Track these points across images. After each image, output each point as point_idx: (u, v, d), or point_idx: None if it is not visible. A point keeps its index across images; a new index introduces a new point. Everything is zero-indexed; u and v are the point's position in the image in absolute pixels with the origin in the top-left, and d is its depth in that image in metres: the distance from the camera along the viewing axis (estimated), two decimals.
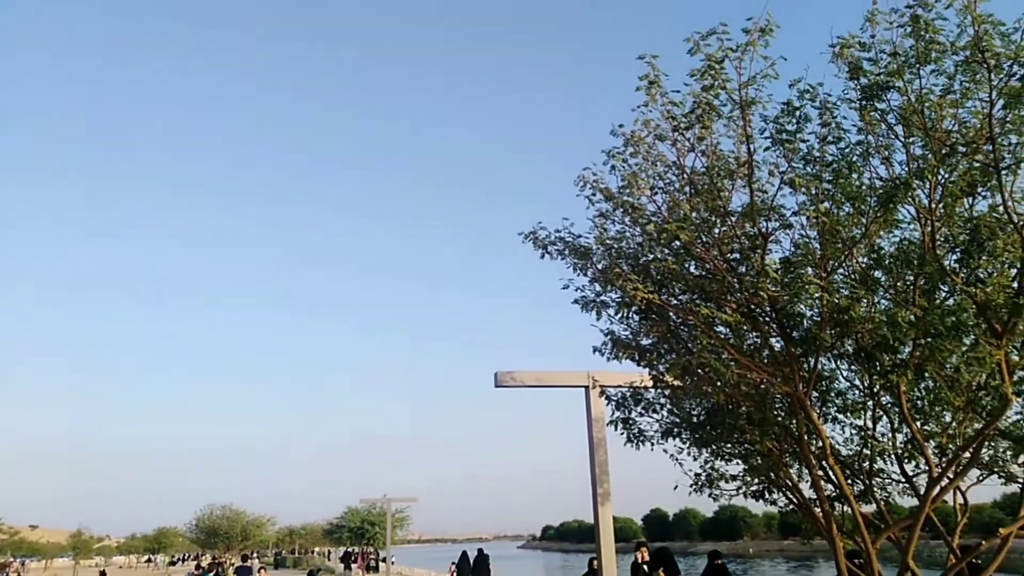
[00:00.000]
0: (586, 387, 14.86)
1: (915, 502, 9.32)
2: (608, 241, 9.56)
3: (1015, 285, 6.90)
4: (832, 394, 9.86)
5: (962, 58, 6.47)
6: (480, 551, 29.89)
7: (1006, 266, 7.51)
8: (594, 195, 9.41)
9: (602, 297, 9.56)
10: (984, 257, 7.17)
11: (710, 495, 10.57)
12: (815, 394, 9.53)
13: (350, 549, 62.04)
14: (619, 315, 9.46)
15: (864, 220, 7.70)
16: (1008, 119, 6.78)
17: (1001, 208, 6.85)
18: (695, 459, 10.84)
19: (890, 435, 9.70)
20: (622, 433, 10.77)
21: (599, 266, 9.46)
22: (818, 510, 9.18)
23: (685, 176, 8.44)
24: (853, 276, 8.43)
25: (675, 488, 10.77)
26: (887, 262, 8.25)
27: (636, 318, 9.53)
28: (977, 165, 7.09)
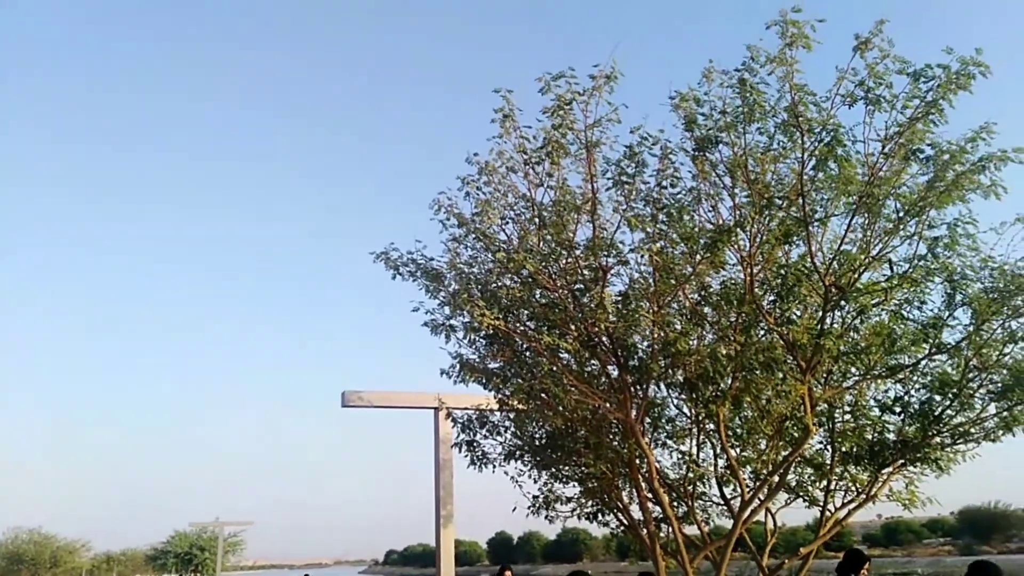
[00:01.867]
0: (435, 409, 14.83)
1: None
2: (460, 266, 9.70)
3: (818, 327, 7.68)
4: (663, 421, 10.48)
5: (781, 120, 7.18)
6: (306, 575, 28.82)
7: (811, 309, 8.37)
8: (448, 220, 9.54)
9: (451, 321, 9.67)
10: (793, 301, 7.95)
11: (546, 517, 10.87)
12: (647, 420, 10.09)
13: None
14: (467, 339, 9.60)
15: (694, 260, 8.30)
16: (818, 177, 7.59)
17: (808, 258, 7.63)
18: (535, 481, 11.13)
19: (712, 460, 10.44)
20: (466, 455, 10.89)
21: (450, 290, 9.58)
22: (645, 531, 9.69)
23: (534, 208, 8.74)
24: (683, 311, 9.05)
25: (514, 510, 10.99)
26: (713, 300, 8.91)
27: (483, 342, 9.71)
28: (791, 217, 7.87)
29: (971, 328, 8.12)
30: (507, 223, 9.04)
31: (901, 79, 6.62)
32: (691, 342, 8.64)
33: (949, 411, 8.56)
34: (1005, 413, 8.36)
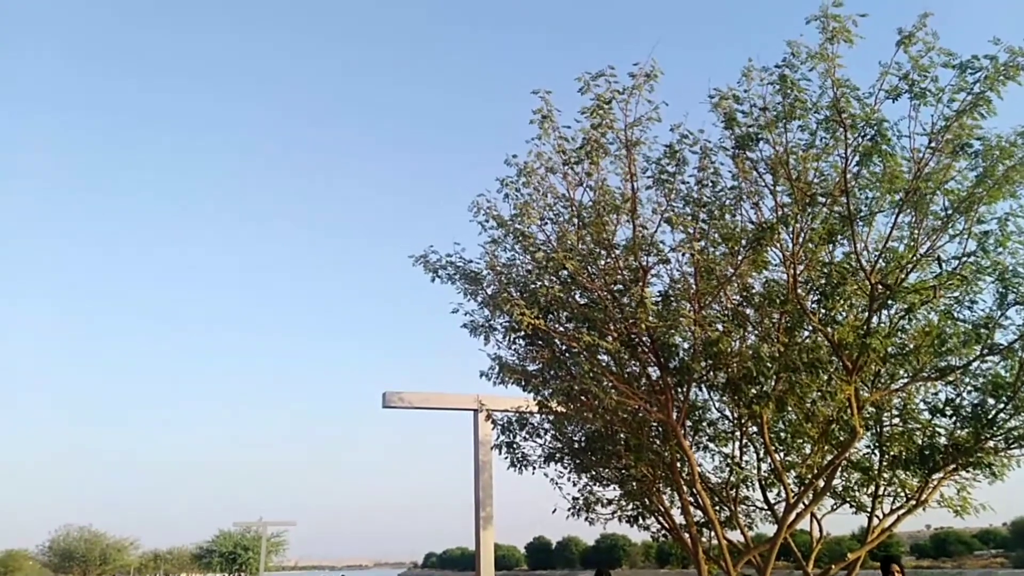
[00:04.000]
0: (474, 410, 14.90)
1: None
2: (498, 267, 9.76)
3: (864, 327, 7.53)
4: (704, 423, 10.38)
5: (823, 117, 7.07)
6: None
7: (857, 309, 8.21)
8: (487, 222, 9.61)
9: (491, 322, 9.72)
10: (838, 300, 7.80)
11: (587, 519, 10.84)
12: (688, 423, 10.00)
13: None
14: (507, 340, 9.63)
15: (735, 260, 8.22)
16: (862, 174, 7.46)
17: (854, 256, 7.49)
18: (574, 484, 11.10)
19: (755, 464, 10.29)
20: (506, 457, 10.93)
21: (488, 291, 9.63)
22: (687, 535, 9.59)
23: (574, 208, 8.75)
24: (725, 312, 8.96)
25: (554, 512, 10.98)
26: (756, 300, 8.80)
27: (523, 343, 9.73)
28: (835, 215, 7.74)
29: None
30: (546, 224, 9.06)
31: (947, 72, 6.47)
32: (734, 343, 8.55)
33: (1003, 414, 8.29)
34: None
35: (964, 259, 7.35)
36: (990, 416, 8.28)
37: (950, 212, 7.32)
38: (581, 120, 8.08)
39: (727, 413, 10.18)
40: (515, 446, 10.90)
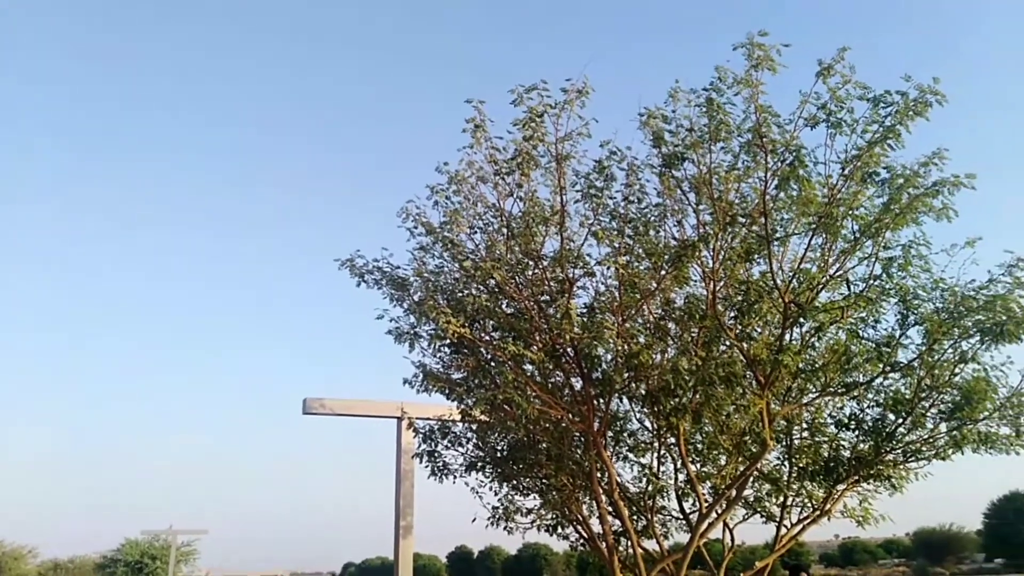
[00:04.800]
0: (397, 418, 14.78)
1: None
2: (426, 274, 9.72)
3: (777, 344, 7.84)
4: (624, 434, 10.57)
5: (745, 140, 7.35)
6: None
7: (771, 326, 8.54)
8: (416, 228, 9.57)
9: (416, 329, 9.66)
10: (754, 317, 8.10)
11: (506, 528, 10.86)
12: (609, 433, 10.17)
13: None
14: (431, 347, 9.59)
15: (658, 275, 8.43)
16: (780, 197, 7.78)
17: (769, 275, 7.79)
18: (495, 493, 11.12)
19: (672, 474, 10.54)
20: (427, 465, 10.86)
21: (415, 298, 9.58)
22: (604, 544, 9.73)
23: (503, 219, 8.81)
24: (647, 325, 9.16)
25: (473, 521, 10.96)
26: (677, 315, 9.04)
27: (448, 351, 9.71)
28: (753, 235, 8.05)
29: (923, 348, 8.34)
30: (475, 233, 9.09)
31: (861, 104, 6.84)
32: (654, 356, 8.75)
33: (901, 429, 8.76)
34: (955, 432, 8.58)
35: (870, 281, 7.75)
36: (890, 430, 8.74)
37: (859, 236, 7.71)
38: (513, 132, 8.17)
39: (647, 424, 10.41)
40: (437, 455, 10.85)
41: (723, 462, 10.08)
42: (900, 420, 8.68)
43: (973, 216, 8.91)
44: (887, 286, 7.93)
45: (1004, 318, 7.74)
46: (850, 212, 7.48)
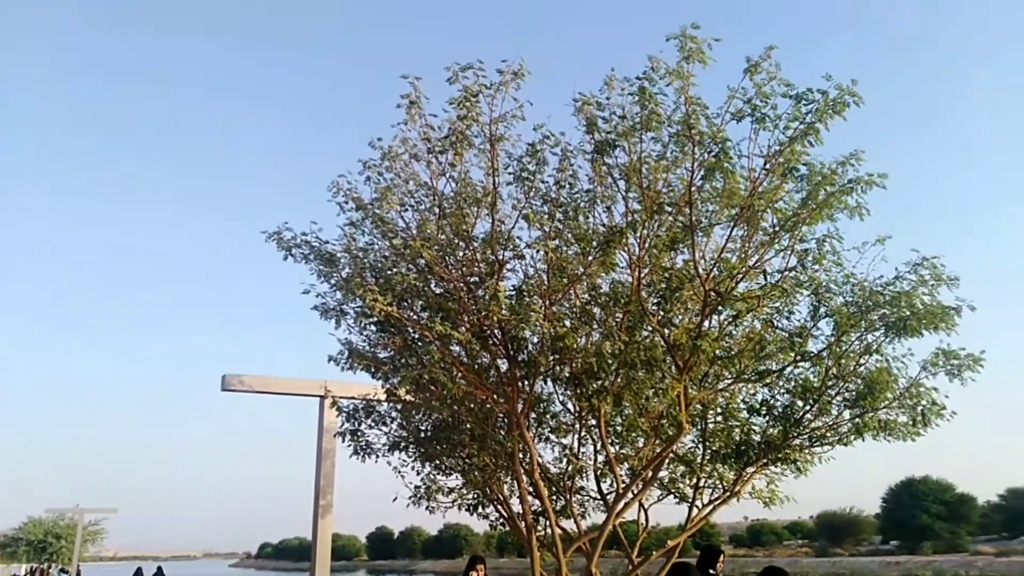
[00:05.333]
0: (320, 397, 14.58)
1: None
2: (355, 251, 9.60)
3: (696, 330, 8.10)
4: (547, 415, 10.74)
5: (675, 131, 7.52)
6: (159, 568, 27.40)
7: (691, 314, 8.80)
8: (346, 203, 9.43)
9: (342, 306, 9.55)
10: (675, 304, 8.34)
11: (427, 507, 10.90)
12: (533, 415, 10.31)
13: (30, 566, 53.80)
14: (358, 325, 9.51)
15: (586, 260, 8.57)
16: (705, 188, 8.01)
17: (692, 264, 8.03)
18: (417, 473, 11.14)
19: (592, 456, 10.78)
20: (350, 444, 10.78)
21: (343, 274, 9.46)
22: (523, 524, 9.89)
23: (435, 197, 8.78)
24: (574, 309, 9.31)
25: (394, 500, 10.96)
26: (602, 300, 9.21)
27: (374, 329, 9.64)
28: (679, 224, 8.26)
29: (832, 339, 8.76)
30: (406, 210, 9.03)
31: (784, 101, 7.08)
32: (580, 339, 8.90)
33: (808, 415, 9.19)
34: (857, 419, 9.05)
35: (785, 273, 8.08)
36: (798, 416, 9.15)
37: (777, 229, 8.02)
38: (449, 110, 8.12)
39: (569, 406, 10.59)
40: (360, 434, 10.78)
41: (641, 444, 10.37)
42: (808, 407, 9.10)
43: (885, 216, 9.38)
44: (801, 278, 8.30)
45: (907, 313, 8.21)
46: (770, 206, 7.76)
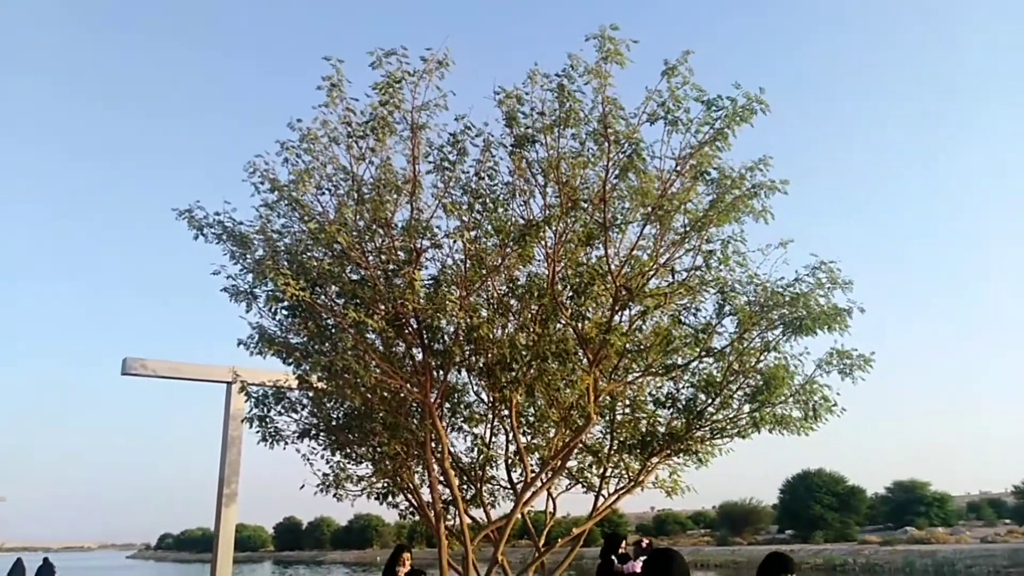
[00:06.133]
0: (228, 382, 14.17)
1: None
2: (270, 233, 9.40)
3: (607, 324, 8.32)
4: (462, 405, 10.80)
5: (592, 129, 7.70)
6: (46, 560, 25.97)
7: (603, 308, 9.03)
8: (263, 184, 9.21)
9: (254, 289, 9.34)
10: (588, 299, 8.55)
11: (335, 495, 10.80)
12: (447, 404, 10.36)
13: None
14: (269, 308, 9.32)
15: (504, 252, 8.67)
16: (620, 186, 8.22)
17: (604, 260, 8.24)
18: (327, 461, 11.01)
19: (504, 446, 10.92)
20: (258, 431, 10.55)
21: (256, 256, 9.25)
22: (432, 512, 9.93)
23: (354, 182, 8.68)
24: (491, 301, 9.40)
25: (301, 487, 10.80)
26: (520, 292, 9.34)
27: (285, 314, 9.47)
28: (594, 221, 8.46)
29: (735, 336, 9.16)
30: (323, 194, 8.90)
31: (697, 106, 7.35)
32: (495, 330, 9.00)
33: (711, 408, 9.59)
34: (755, 413, 9.51)
35: (692, 272, 8.41)
36: (700, 409, 9.54)
37: (688, 230, 8.32)
38: (371, 95, 8.05)
39: (483, 396, 10.69)
40: (268, 420, 10.56)
41: (552, 434, 10.57)
42: (710, 400, 9.50)
43: (789, 219, 9.85)
44: (707, 277, 8.64)
45: (804, 313, 8.68)
46: (681, 206, 8.05)
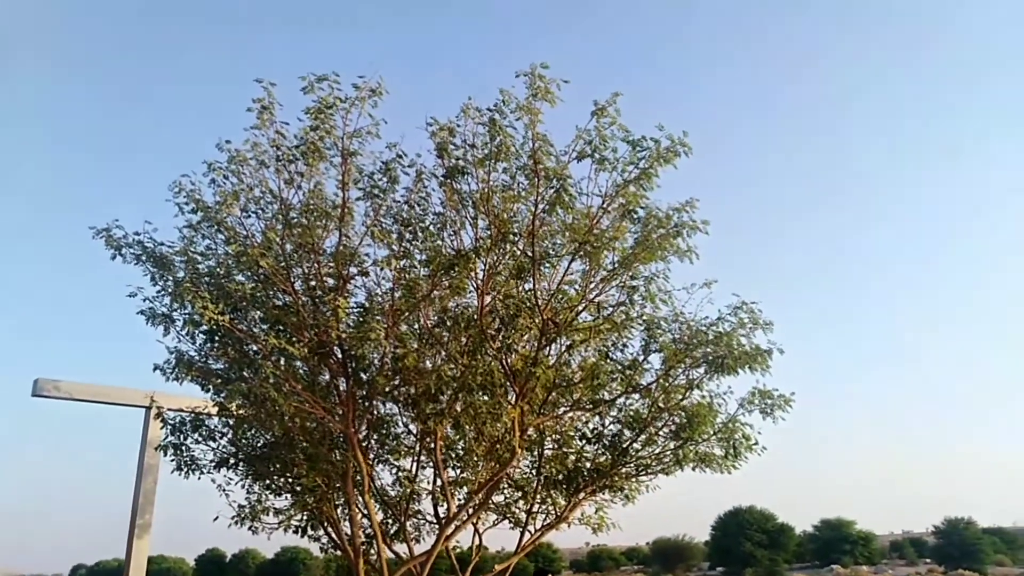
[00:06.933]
0: (145, 408, 13.63)
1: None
2: (193, 254, 9.14)
3: (533, 358, 8.32)
4: (388, 437, 10.60)
5: (522, 164, 7.77)
6: None
7: (531, 341, 9.04)
8: (187, 204, 8.98)
9: (172, 312, 9.04)
10: (515, 331, 8.54)
11: (250, 528, 10.41)
12: (375, 436, 10.15)
13: None
14: (187, 333, 9.02)
15: (436, 282, 8.61)
16: (549, 221, 8.29)
17: (532, 293, 8.26)
18: (247, 492, 10.63)
19: (432, 479, 10.73)
20: (173, 459, 10.14)
21: (176, 277, 8.97)
22: (351, 547, 9.66)
23: (282, 206, 8.54)
24: (421, 331, 9.30)
25: (215, 519, 10.39)
26: (450, 323, 9.27)
27: (203, 339, 9.18)
28: (524, 254, 8.49)
29: (660, 372, 9.27)
30: (249, 217, 8.71)
31: (623, 146, 7.50)
32: (424, 361, 8.89)
33: (636, 445, 9.64)
34: (679, 450, 9.60)
35: (618, 308, 8.49)
36: (625, 446, 9.58)
37: (616, 267, 8.43)
38: (304, 120, 7.97)
39: (411, 428, 10.52)
40: (184, 448, 10.17)
41: (480, 468, 10.45)
42: (635, 436, 9.56)
43: (714, 260, 10.06)
44: (632, 314, 8.74)
45: (726, 352, 8.84)
46: (609, 243, 8.15)
